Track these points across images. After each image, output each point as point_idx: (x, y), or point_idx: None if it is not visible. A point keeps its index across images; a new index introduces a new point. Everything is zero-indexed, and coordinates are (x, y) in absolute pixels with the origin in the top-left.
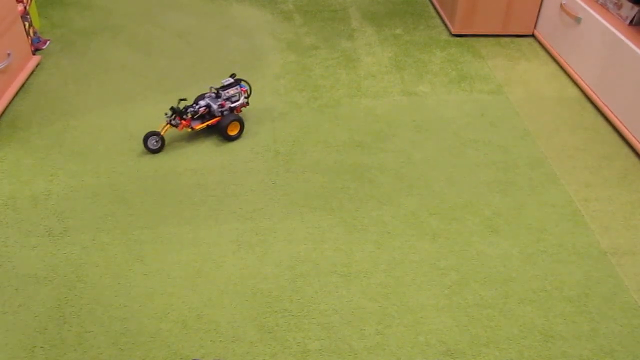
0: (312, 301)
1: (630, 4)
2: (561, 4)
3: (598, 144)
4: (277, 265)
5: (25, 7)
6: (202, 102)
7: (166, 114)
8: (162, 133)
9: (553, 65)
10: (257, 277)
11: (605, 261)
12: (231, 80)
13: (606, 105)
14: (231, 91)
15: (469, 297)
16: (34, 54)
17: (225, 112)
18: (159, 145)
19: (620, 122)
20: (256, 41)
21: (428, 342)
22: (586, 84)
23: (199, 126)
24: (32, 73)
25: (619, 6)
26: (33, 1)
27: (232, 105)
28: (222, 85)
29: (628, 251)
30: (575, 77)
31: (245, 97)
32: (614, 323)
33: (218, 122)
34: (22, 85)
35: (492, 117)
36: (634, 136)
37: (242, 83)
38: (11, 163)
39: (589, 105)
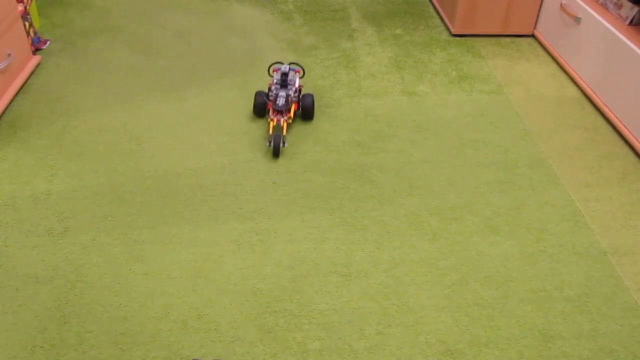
0: (312, 301)
1: (630, 4)
2: (561, 4)
3: (598, 144)
4: (277, 265)
5: (25, 7)
6: (282, 94)
7: (268, 114)
8: (284, 133)
9: (553, 65)
10: (257, 277)
11: (605, 261)
12: (287, 67)
13: (606, 105)
14: (291, 76)
15: (469, 297)
16: (34, 54)
17: (299, 96)
18: (285, 144)
19: (620, 122)
20: (256, 41)
21: (428, 342)
22: (586, 84)
23: (291, 114)
24: (32, 73)
25: (619, 6)
26: (33, 1)
27: (296, 87)
28: (281, 74)
29: (628, 251)
30: (575, 77)
31: (299, 77)
32: (614, 323)
33: (302, 105)
34: (22, 85)
35: (492, 117)
36: (634, 136)
37: (293, 66)
38: (11, 163)
39: (588, 105)
